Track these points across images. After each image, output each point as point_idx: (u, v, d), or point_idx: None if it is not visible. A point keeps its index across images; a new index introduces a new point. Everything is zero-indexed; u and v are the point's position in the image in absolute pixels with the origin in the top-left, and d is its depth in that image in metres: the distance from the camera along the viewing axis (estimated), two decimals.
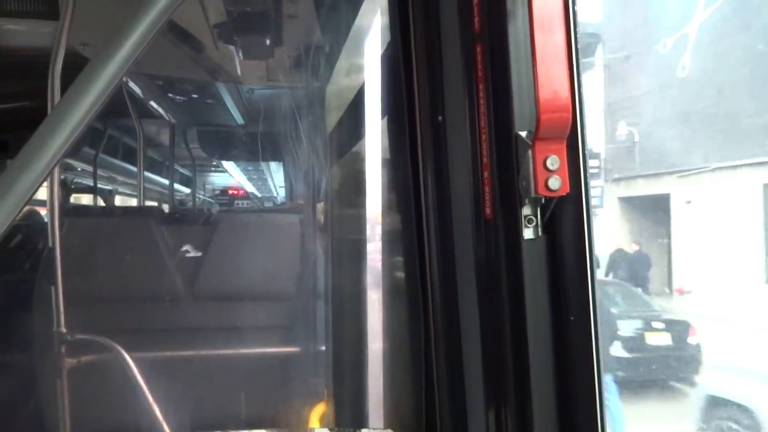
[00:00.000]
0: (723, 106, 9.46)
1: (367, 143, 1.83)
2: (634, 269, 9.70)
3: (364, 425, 1.80)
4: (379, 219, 1.77)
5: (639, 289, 8.70)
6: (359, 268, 1.98)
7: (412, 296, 1.20)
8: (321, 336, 2.22)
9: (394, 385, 1.57)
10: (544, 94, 0.86)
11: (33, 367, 2.00)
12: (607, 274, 9.50)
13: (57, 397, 1.81)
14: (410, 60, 1.17)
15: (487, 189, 1.03)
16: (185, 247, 2.28)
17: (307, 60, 2.38)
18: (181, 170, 6.90)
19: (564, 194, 0.90)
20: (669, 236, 10.50)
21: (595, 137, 11.95)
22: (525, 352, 0.96)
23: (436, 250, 1.13)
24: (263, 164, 6.32)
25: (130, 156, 5.01)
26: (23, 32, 2.20)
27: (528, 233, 0.95)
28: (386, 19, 1.47)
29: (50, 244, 1.78)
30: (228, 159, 6.12)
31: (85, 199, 6.26)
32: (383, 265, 1.70)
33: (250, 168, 7.29)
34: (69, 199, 5.72)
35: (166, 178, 5.88)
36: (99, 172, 5.06)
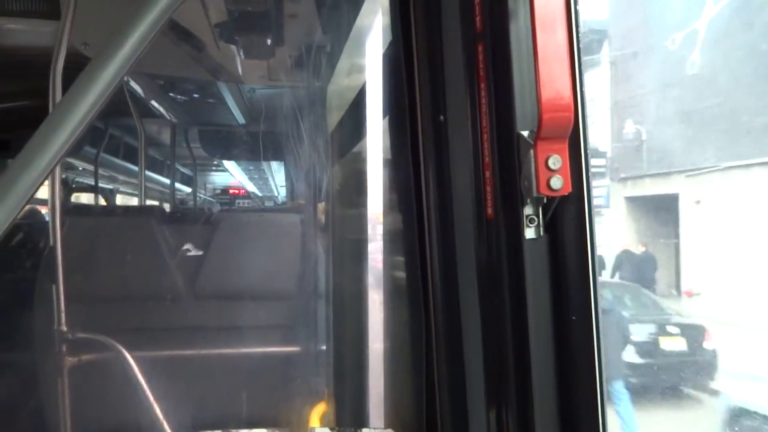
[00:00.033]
0: (734, 104, 9.18)
1: (369, 143, 1.83)
2: (641, 270, 9.50)
3: (365, 425, 1.80)
4: (380, 219, 1.77)
5: (651, 292, 8.43)
6: (360, 268, 1.98)
7: (413, 296, 1.20)
8: (322, 335, 2.22)
9: (395, 385, 1.57)
10: (546, 93, 0.86)
11: (34, 366, 2.00)
12: (612, 275, 9.31)
13: (58, 395, 1.81)
14: (411, 59, 1.16)
15: (488, 188, 1.03)
16: (186, 247, 2.28)
17: (309, 59, 2.38)
18: (182, 169, 6.90)
19: (566, 194, 0.90)
20: (677, 237, 10.23)
21: (601, 136, 11.74)
22: (526, 352, 0.96)
23: (437, 249, 1.13)
24: (264, 164, 6.32)
25: (131, 155, 5.01)
26: (25, 32, 2.20)
27: (530, 233, 0.95)
28: (387, 19, 1.47)
29: (51, 242, 1.78)
30: (229, 158, 6.12)
31: (85, 198, 6.26)
32: (384, 264, 1.69)
33: (251, 167, 7.29)
34: (70, 198, 5.72)
35: (167, 177, 5.88)
36: (100, 171, 5.06)
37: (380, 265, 1.76)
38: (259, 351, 2.18)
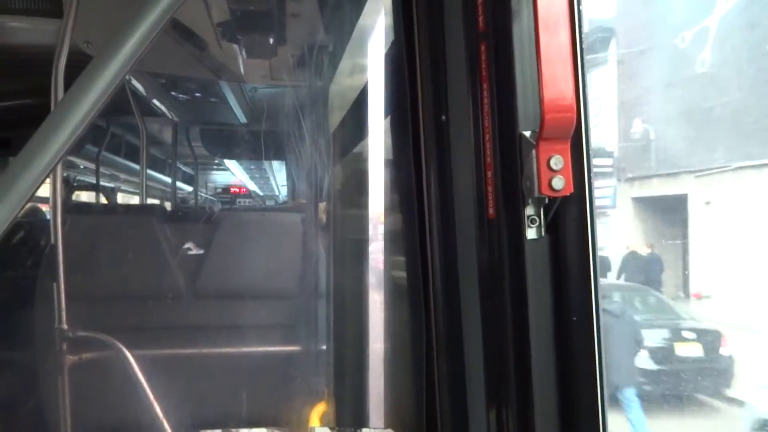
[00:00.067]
0: (746, 103, 8.95)
1: (370, 142, 1.82)
2: (647, 272, 9.25)
3: (365, 425, 1.80)
4: (382, 218, 1.77)
5: (664, 295, 8.19)
6: (361, 268, 1.98)
7: (414, 296, 1.20)
8: (322, 335, 2.22)
9: (395, 385, 1.57)
10: (548, 93, 0.86)
11: (34, 364, 2.00)
12: (619, 277, 9.09)
13: (58, 394, 1.81)
14: (414, 59, 1.16)
15: (490, 189, 1.03)
16: (187, 245, 2.28)
17: (311, 59, 2.38)
18: (184, 168, 6.90)
19: (567, 194, 0.90)
20: (686, 238, 9.97)
21: (607, 135, 11.50)
22: (527, 352, 0.96)
23: (438, 249, 1.13)
24: (265, 163, 6.32)
25: (132, 154, 5.02)
26: (27, 30, 2.21)
27: (531, 233, 0.95)
28: (390, 18, 1.46)
29: (52, 241, 1.78)
30: (231, 157, 6.12)
31: (86, 197, 6.26)
32: (385, 264, 1.69)
33: (252, 167, 7.30)
34: (71, 197, 5.73)
35: (168, 176, 5.89)
36: (101, 169, 5.06)
37: (381, 265, 1.76)
38: (260, 350, 2.18)
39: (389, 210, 1.69)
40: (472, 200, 1.06)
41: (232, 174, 8.07)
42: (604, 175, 10.99)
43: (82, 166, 5.40)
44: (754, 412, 4.98)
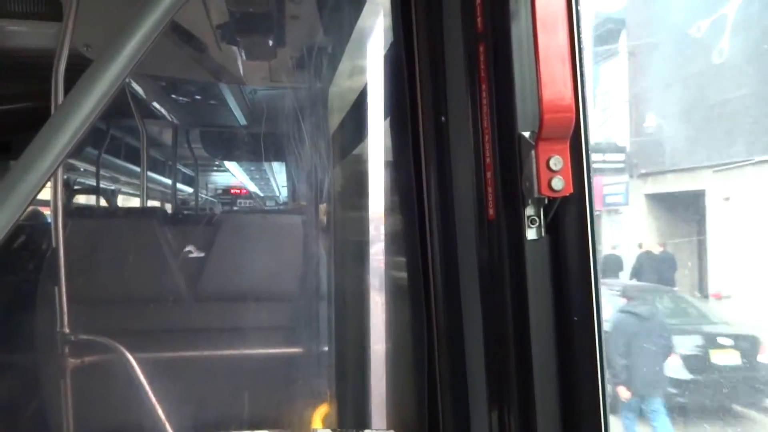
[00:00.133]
0: (766, 93, 8.56)
1: (370, 144, 1.83)
2: (663, 272, 8.79)
3: (367, 426, 1.80)
4: (382, 220, 1.77)
5: (692, 297, 7.71)
6: (362, 269, 1.98)
7: (415, 297, 1.20)
8: (324, 337, 2.22)
9: (396, 386, 1.57)
10: (547, 94, 0.86)
11: (36, 368, 2.00)
12: (632, 278, 8.68)
13: (60, 397, 1.81)
14: (413, 60, 1.16)
15: (490, 189, 1.03)
16: (188, 248, 2.28)
17: (310, 61, 2.38)
18: (184, 170, 6.91)
19: (567, 194, 0.90)
20: (704, 236, 9.41)
21: (619, 130, 11.10)
22: (528, 353, 0.96)
23: (438, 250, 1.13)
24: (266, 164, 6.32)
25: (133, 156, 5.02)
26: (26, 33, 2.21)
27: (531, 234, 0.95)
28: (389, 20, 1.47)
29: (53, 244, 1.78)
30: (231, 159, 6.12)
31: (84, 199, 6.27)
32: (386, 265, 1.69)
33: (252, 168, 7.30)
34: (72, 200, 5.73)
35: (168, 177, 5.89)
36: (102, 172, 5.07)
37: (382, 266, 1.76)
38: (261, 352, 2.18)
39: (389, 211, 1.69)
40: (471, 201, 1.06)
41: (233, 175, 8.08)
42: (615, 171, 10.72)
43: (82, 169, 5.40)
44: None
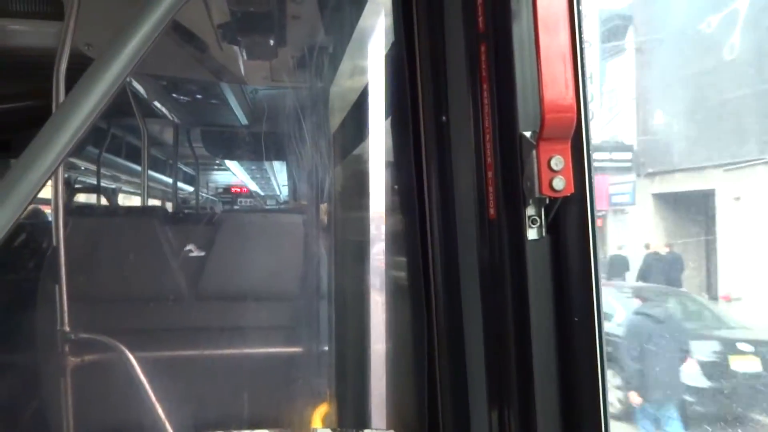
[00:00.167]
0: None
1: (371, 144, 1.83)
2: (670, 273, 8.50)
3: (367, 426, 1.80)
4: (383, 219, 1.77)
5: (707, 300, 7.42)
6: (362, 269, 1.98)
7: (416, 297, 1.20)
8: (324, 336, 2.22)
9: (397, 386, 1.57)
10: (548, 94, 0.86)
11: (36, 366, 2.00)
12: (638, 279, 8.43)
13: (60, 396, 1.81)
14: (414, 60, 1.16)
15: (490, 189, 1.03)
16: (188, 247, 2.28)
17: (311, 60, 2.38)
18: (185, 169, 6.91)
19: (568, 195, 0.90)
20: (714, 237, 9.08)
21: (625, 128, 10.74)
22: (528, 353, 0.96)
23: (439, 250, 1.13)
24: (266, 163, 6.33)
25: (134, 155, 5.02)
26: (28, 33, 2.21)
27: (532, 234, 0.95)
28: (390, 20, 1.47)
29: (54, 243, 1.78)
30: (232, 159, 6.13)
31: (84, 198, 6.27)
32: (386, 265, 1.69)
33: (253, 167, 7.31)
34: (73, 199, 5.74)
35: (169, 176, 5.90)
36: (102, 171, 5.08)
37: (382, 266, 1.76)
38: (262, 352, 2.18)
39: (390, 211, 1.69)
40: (472, 201, 1.06)
41: (233, 174, 8.09)
42: (622, 170, 10.48)
43: (83, 168, 5.41)
44: None
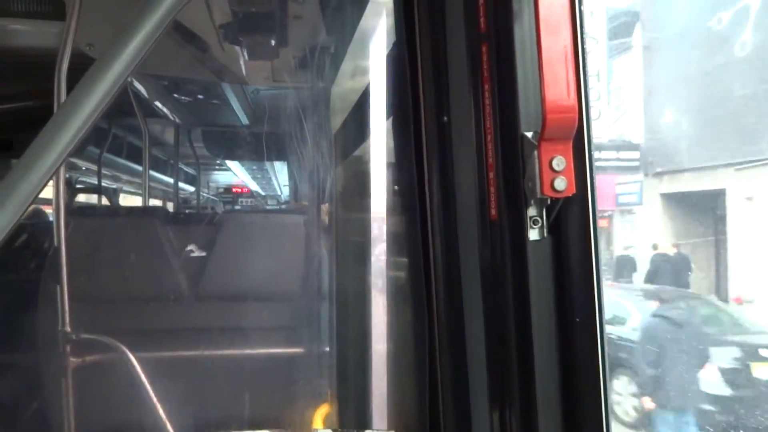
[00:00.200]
0: None
1: (372, 144, 1.82)
2: (679, 274, 8.30)
3: (368, 426, 1.79)
4: (384, 220, 1.77)
5: (724, 303, 7.14)
6: (364, 269, 1.98)
7: (417, 297, 1.20)
8: (325, 337, 2.22)
9: (398, 387, 1.56)
10: (550, 94, 0.86)
11: (37, 366, 2.01)
12: (647, 281, 8.22)
13: (61, 396, 1.81)
14: (415, 60, 1.16)
15: (492, 190, 1.03)
16: (189, 248, 2.28)
17: (313, 61, 2.38)
18: (186, 169, 6.92)
19: (570, 195, 0.90)
20: (725, 238, 8.82)
21: (633, 127, 10.57)
22: (530, 354, 0.96)
23: (441, 251, 1.13)
24: (267, 163, 6.33)
25: (135, 155, 5.03)
26: (29, 32, 2.21)
27: (533, 234, 0.95)
28: (391, 20, 1.46)
29: (55, 243, 1.78)
30: (233, 159, 6.13)
31: (84, 197, 6.28)
32: (388, 266, 1.69)
33: (254, 167, 7.31)
34: (74, 199, 5.74)
35: (170, 176, 5.90)
36: (104, 171, 5.08)
37: (384, 267, 1.76)
38: (262, 352, 2.18)
39: (391, 211, 1.69)
40: (474, 201, 1.06)
41: (234, 174, 8.09)
42: (629, 169, 10.33)
43: (84, 168, 5.41)
44: None
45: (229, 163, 6.72)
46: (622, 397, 5.33)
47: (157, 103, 3.56)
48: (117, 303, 2.15)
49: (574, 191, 0.89)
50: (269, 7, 1.95)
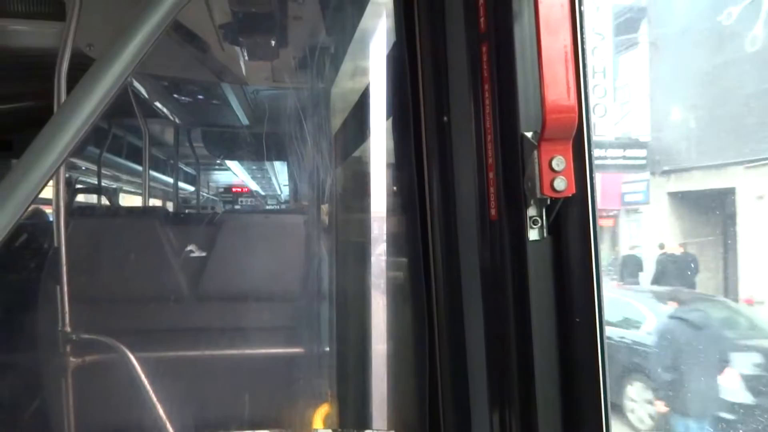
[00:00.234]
0: None
1: (372, 144, 1.82)
2: (687, 275, 8.13)
3: (368, 427, 1.79)
4: (384, 220, 1.77)
5: (743, 307, 6.76)
6: (364, 269, 1.98)
7: (417, 297, 1.20)
8: (325, 337, 2.22)
9: (398, 387, 1.56)
10: (550, 94, 0.86)
11: (38, 367, 2.00)
12: (654, 282, 8.06)
13: (61, 396, 1.82)
14: (415, 60, 1.16)
15: (492, 190, 1.03)
16: (189, 248, 2.28)
17: (312, 61, 2.38)
18: (186, 168, 6.92)
19: (569, 195, 0.90)
20: (735, 237, 8.59)
21: (639, 125, 10.29)
22: (530, 354, 0.96)
23: (440, 251, 1.13)
24: (267, 163, 6.33)
25: (134, 155, 5.03)
26: (29, 33, 2.21)
27: (533, 234, 0.95)
28: (391, 21, 1.46)
29: (55, 243, 1.79)
30: (232, 159, 6.13)
31: (83, 198, 6.27)
32: (388, 266, 1.69)
33: (254, 167, 7.32)
34: (74, 199, 5.74)
35: (170, 176, 5.91)
36: (103, 171, 5.08)
37: (384, 267, 1.76)
38: (263, 352, 2.18)
39: (391, 211, 1.69)
40: (474, 201, 1.06)
41: (234, 174, 8.10)
42: (635, 167, 10.17)
43: (84, 168, 5.41)
44: None
45: (229, 163, 6.72)
46: (637, 403, 5.13)
47: (157, 104, 3.56)
48: (117, 303, 2.15)
49: (574, 191, 0.89)
50: (269, 7, 1.95)
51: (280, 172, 7.16)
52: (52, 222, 1.86)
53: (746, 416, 4.46)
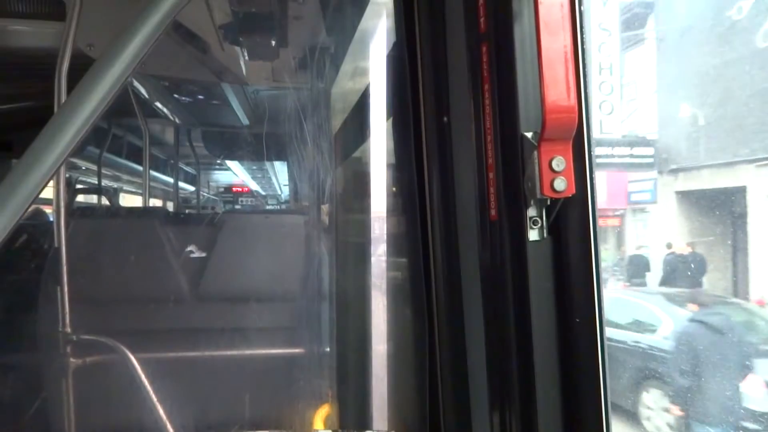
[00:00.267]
0: None
1: (372, 144, 1.82)
2: (696, 275, 7.96)
3: (368, 427, 1.79)
4: (384, 220, 1.77)
5: (759, 309, 6.36)
6: (364, 270, 1.98)
7: (417, 298, 1.20)
8: (325, 337, 2.22)
9: (398, 388, 1.56)
10: (550, 95, 0.86)
11: (38, 367, 2.00)
12: (661, 283, 7.95)
13: (62, 397, 1.81)
14: (415, 61, 1.16)
15: (492, 190, 1.03)
16: (190, 248, 2.28)
17: (313, 61, 2.38)
18: (186, 168, 6.93)
19: (569, 195, 0.90)
20: (745, 237, 8.32)
21: (647, 122, 10.14)
22: (530, 354, 0.96)
23: (440, 251, 1.13)
24: (267, 163, 6.34)
25: (135, 155, 5.03)
26: (30, 33, 2.21)
27: (533, 235, 0.95)
28: (391, 21, 1.46)
29: (56, 243, 1.79)
30: (233, 159, 6.14)
31: (82, 198, 6.27)
32: (388, 266, 1.69)
33: (254, 167, 7.32)
34: (74, 199, 5.74)
35: (170, 176, 5.91)
36: (104, 171, 5.08)
37: (384, 267, 1.76)
38: (263, 353, 2.18)
39: (392, 212, 1.69)
40: (474, 202, 1.06)
41: (234, 174, 8.10)
42: (643, 166, 10.02)
43: (84, 168, 5.42)
44: None
45: (229, 163, 6.72)
46: (653, 411, 4.90)
47: (158, 104, 3.56)
48: (117, 304, 2.15)
49: (574, 191, 0.89)
50: (269, 7, 1.95)
51: (280, 172, 7.16)
52: (52, 222, 1.86)
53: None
